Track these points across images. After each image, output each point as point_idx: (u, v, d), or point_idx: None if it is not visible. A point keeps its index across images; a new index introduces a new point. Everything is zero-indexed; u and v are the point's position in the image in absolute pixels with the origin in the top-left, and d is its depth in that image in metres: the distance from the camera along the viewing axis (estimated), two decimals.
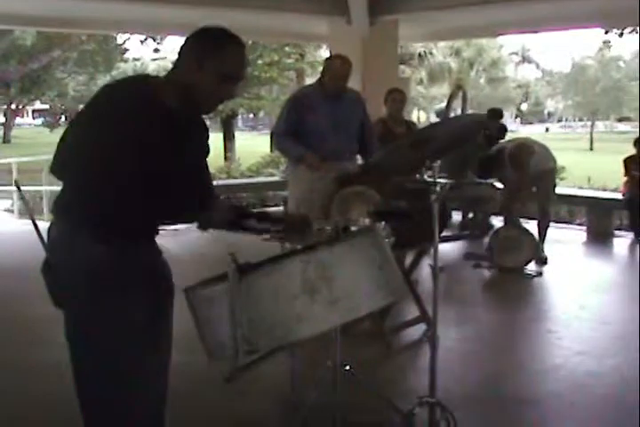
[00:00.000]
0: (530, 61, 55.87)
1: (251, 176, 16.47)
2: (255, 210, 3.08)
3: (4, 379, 4.78)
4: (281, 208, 10.14)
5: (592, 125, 53.04)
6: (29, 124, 60.81)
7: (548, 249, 8.26)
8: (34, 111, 63.37)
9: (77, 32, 23.31)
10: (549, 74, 60.66)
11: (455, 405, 3.65)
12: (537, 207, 8.51)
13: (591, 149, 45.97)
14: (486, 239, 8.15)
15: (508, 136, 9.04)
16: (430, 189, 3.46)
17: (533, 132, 56.56)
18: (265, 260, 2.58)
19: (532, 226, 8.43)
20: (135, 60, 41.78)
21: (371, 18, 10.23)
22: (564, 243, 9.32)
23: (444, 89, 38.46)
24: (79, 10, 9.83)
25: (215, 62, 2.52)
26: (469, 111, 15.76)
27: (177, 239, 7.80)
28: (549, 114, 72.57)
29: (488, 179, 8.36)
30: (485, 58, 45.06)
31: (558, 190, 8.63)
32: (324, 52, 23.66)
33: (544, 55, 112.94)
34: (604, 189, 13.45)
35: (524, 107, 65.73)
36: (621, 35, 21.87)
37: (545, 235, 8.23)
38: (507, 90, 50.73)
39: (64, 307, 2.60)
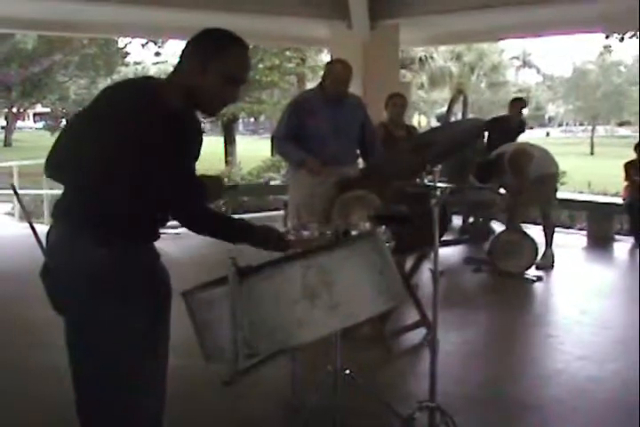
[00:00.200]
0: (531, 66, 55.87)
1: (251, 180, 16.48)
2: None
3: (3, 380, 4.78)
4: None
5: (593, 130, 53.08)
6: (30, 128, 60.85)
7: None
8: (35, 115, 63.41)
9: (79, 36, 23.37)
10: (550, 78, 60.72)
11: (455, 409, 3.64)
12: (539, 212, 8.51)
13: (592, 154, 46.00)
14: (487, 244, 8.15)
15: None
16: (430, 194, 3.45)
17: (534, 136, 56.54)
18: (265, 263, 2.57)
19: (533, 231, 8.43)
20: (136, 63, 41.84)
21: (371, 22, 10.24)
22: (565, 247, 9.31)
23: (444, 93, 38.47)
24: (80, 13, 9.84)
25: (219, 64, 2.51)
26: (470, 116, 15.77)
27: (177, 243, 7.79)
28: (550, 118, 72.60)
29: (487, 184, 8.36)
30: (486, 62, 45.10)
31: (559, 195, 8.62)
32: (325, 57, 23.70)
33: (545, 60, 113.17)
34: (605, 194, 13.47)
35: (524, 111, 65.70)
36: (622, 39, 21.88)
37: (551, 240, 8.22)
38: (507, 94, 50.53)
39: (64, 311, 2.60)
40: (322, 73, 6.14)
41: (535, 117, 67.95)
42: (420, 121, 43.81)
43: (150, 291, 2.62)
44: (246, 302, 2.32)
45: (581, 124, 66.31)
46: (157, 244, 2.67)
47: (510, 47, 51.67)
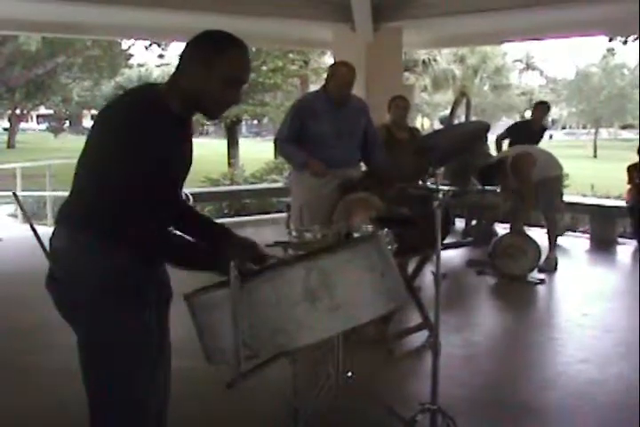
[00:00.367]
0: (534, 69, 55.97)
1: (254, 182, 16.48)
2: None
3: (4, 380, 4.79)
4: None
5: (596, 133, 53.09)
6: (34, 130, 60.97)
7: None
8: (38, 116, 63.61)
9: (82, 38, 23.37)
10: (553, 81, 60.75)
11: (457, 412, 3.65)
12: (542, 215, 8.51)
13: (595, 157, 45.98)
14: (489, 246, 8.15)
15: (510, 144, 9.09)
16: (433, 196, 3.46)
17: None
18: (266, 266, 2.58)
19: (536, 234, 8.44)
20: (140, 65, 41.97)
21: (375, 24, 10.24)
22: (567, 250, 9.32)
23: (447, 96, 38.51)
24: (84, 16, 9.85)
25: (219, 68, 2.48)
26: (473, 118, 15.77)
27: None
28: (553, 121, 72.55)
29: (489, 186, 8.36)
30: (489, 65, 45.15)
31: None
32: (329, 59, 23.69)
33: (548, 62, 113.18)
34: (608, 197, 13.43)
35: (527, 114, 65.71)
36: (625, 42, 21.90)
37: (554, 243, 8.21)
38: (510, 97, 50.75)
39: (74, 317, 2.60)
40: (325, 75, 6.15)
41: None
42: (424, 123, 43.83)
43: (153, 294, 2.63)
44: (247, 304, 2.33)
45: (584, 127, 66.29)
46: None
47: (513, 50, 51.82)
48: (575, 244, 9.93)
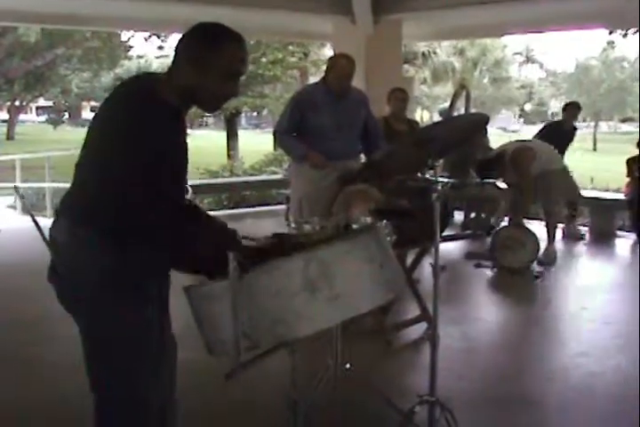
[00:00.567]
0: (534, 61, 55.93)
1: (253, 174, 16.48)
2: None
3: (5, 373, 4.80)
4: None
5: (595, 126, 53.06)
6: (33, 121, 60.84)
7: None
8: (37, 108, 63.50)
9: (81, 29, 23.37)
10: (553, 74, 60.73)
11: (455, 404, 3.65)
12: (542, 208, 8.51)
13: (594, 150, 45.97)
14: (488, 239, 8.15)
15: (509, 137, 9.06)
16: (432, 188, 3.46)
17: (537, 132, 56.46)
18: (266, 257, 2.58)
19: (535, 226, 8.44)
20: (139, 57, 41.88)
21: (375, 17, 10.22)
22: (566, 243, 9.32)
23: (447, 88, 38.47)
24: (83, 7, 9.84)
25: (216, 62, 2.47)
26: (472, 111, 15.75)
27: None
28: (553, 114, 72.46)
29: (488, 179, 8.36)
30: (489, 58, 45.09)
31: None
32: (328, 51, 23.64)
33: (548, 55, 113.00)
34: (607, 190, 13.45)
35: (527, 107, 65.70)
36: (626, 35, 21.89)
37: (553, 235, 8.22)
38: (510, 90, 50.72)
39: (76, 310, 2.61)
40: (325, 67, 6.14)
41: (538, 113, 67.90)
42: (423, 116, 43.80)
43: (154, 289, 2.64)
44: (247, 295, 2.33)
45: (584, 120, 66.23)
46: None
47: (513, 43, 51.78)
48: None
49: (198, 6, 9.12)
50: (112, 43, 31.27)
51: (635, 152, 9.84)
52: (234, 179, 15.35)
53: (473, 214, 10.22)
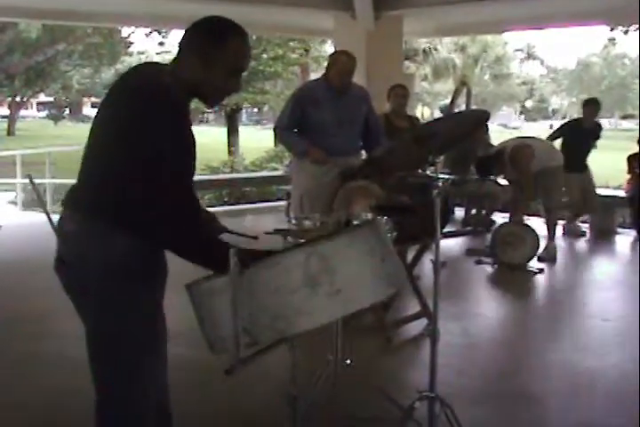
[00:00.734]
0: (535, 58, 55.91)
1: (254, 170, 16.48)
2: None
3: (5, 369, 4.80)
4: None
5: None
6: (34, 117, 60.84)
7: None
8: (38, 104, 63.49)
9: (82, 25, 23.34)
10: (554, 71, 60.69)
11: (455, 400, 3.66)
12: (542, 205, 8.52)
13: (595, 147, 45.88)
14: (488, 235, 8.16)
15: (510, 133, 9.05)
16: (432, 185, 3.46)
17: (537, 129, 56.46)
18: (266, 253, 2.58)
19: (535, 223, 8.45)
20: (140, 53, 41.78)
21: (375, 13, 10.21)
22: (567, 240, 9.33)
23: (448, 85, 38.47)
24: (84, 3, 9.84)
25: (219, 57, 2.47)
26: (473, 107, 15.75)
27: None
28: (554, 111, 72.49)
29: (486, 178, 8.38)
30: (490, 54, 45.07)
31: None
32: (329, 47, 23.66)
33: (549, 52, 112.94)
34: (607, 187, 13.43)
35: (528, 104, 65.69)
36: (627, 32, 21.89)
37: (554, 232, 8.22)
38: (511, 86, 50.71)
39: (82, 301, 2.60)
40: (325, 63, 6.14)
41: (539, 110, 67.92)
42: (424, 112, 43.80)
43: (160, 279, 2.65)
44: (247, 291, 2.33)
45: None
46: None
47: (514, 39, 51.81)
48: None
49: (199, 2, 9.10)
50: (113, 39, 31.28)
51: (635, 149, 9.84)
52: (234, 175, 15.35)
53: (473, 211, 10.23)
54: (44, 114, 59.82)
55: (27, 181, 14.12)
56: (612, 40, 51.40)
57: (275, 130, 6.20)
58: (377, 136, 6.12)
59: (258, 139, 30.34)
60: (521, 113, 68.02)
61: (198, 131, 2.85)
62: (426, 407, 3.54)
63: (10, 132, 43.07)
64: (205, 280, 2.53)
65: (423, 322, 5.46)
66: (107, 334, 2.58)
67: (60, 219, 2.61)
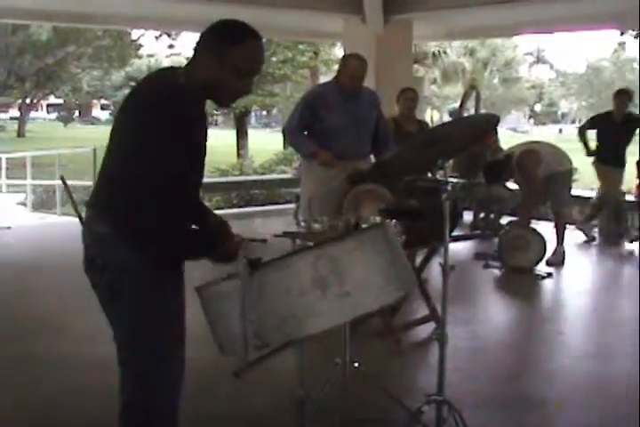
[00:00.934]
0: (544, 62, 55.84)
1: (263, 173, 16.50)
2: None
3: (6, 369, 4.82)
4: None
5: None
6: (44, 119, 61.02)
7: None
8: (48, 106, 63.66)
9: (92, 27, 23.42)
10: (563, 75, 60.51)
11: (463, 403, 3.66)
12: (551, 209, 8.51)
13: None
14: (497, 239, 8.16)
15: (519, 138, 9.02)
16: (441, 188, 3.46)
17: (547, 133, 56.37)
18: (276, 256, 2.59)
19: (544, 227, 8.44)
20: (149, 56, 41.94)
21: (385, 16, 10.22)
22: (576, 244, 9.31)
23: (457, 89, 38.34)
24: (94, 5, 9.87)
25: (233, 58, 2.51)
26: (482, 111, 15.74)
27: None
28: (563, 115, 72.31)
29: (495, 183, 8.37)
30: (499, 58, 44.98)
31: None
32: (339, 50, 23.66)
33: (558, 56, 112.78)
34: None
35: (537, 107, 65.58)
36: (637, 36, 21.81)
37: (562, 236, 8.20)
38: (520, 90, 50.58)
39: (113, 303, 2.63)
40: (335, 66, 6.15)
41: (548, 114, 67.77)
42: (433, 116, 43.75)
43: (181, 276, 2.70)
44: (257, 293, 2.34)
45: None
46: None
47: (524, 43, 51.65)
48: (583, 237, 9.90)
49: (209, 5, 9.13)
50: (122, 41, 31.36)
51: None
52: (243, 177, 15.39)
53: (482, 215, 10.22)
54: (53, 116, 60.01)
55: (37, 182, 14.19)
56: (621, 44, 51.26)
57: (283, 132, 6.21)
58: (386, 140, 6.11)
59: (267, 141, 30.37)
60: (530, 117, 67.89)
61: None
62: (434, 411, 3.54)
63: (20, 133, 43.20)
64: (215, 283, 2.54)
65: (431, 326, 5.45)
66: (138, 336, 2.62)
67: (87, 219, 2.64)
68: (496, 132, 9.49)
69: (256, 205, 13.22)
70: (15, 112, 49.54)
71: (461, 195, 6.99)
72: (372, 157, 6.28)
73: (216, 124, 54.36)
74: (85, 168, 12.30)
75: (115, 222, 2.53)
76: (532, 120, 68.04)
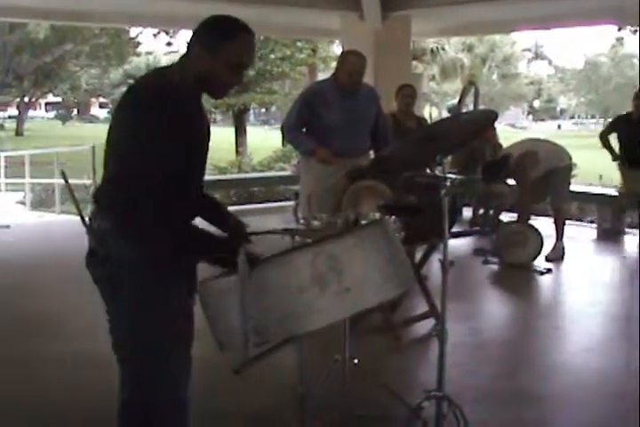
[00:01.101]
0: (543, 58, 55.84)
1: (261, 170, 16.49)
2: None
3: (6, 369, 4.82)
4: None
5: (604, 123, 52.87)
6: (42, 117, 60.99)
7: None
8: (47, 104, 63.63)
9: (90, 25, 23.41)
10: (562, 71, 60.55)
11: (463, 399, 3.66)
12: (550, 205, 8.52)
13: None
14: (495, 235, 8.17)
15: (517, 133, 9.00)
16: (440, 185, 3.46)
17: (545, 129, 56.40)
18: (276, 253, 2.59)
19: (543, 223, 8.44)
20: (148, 53, 41.89)
21: (383, 13, 10.22)
22: (574, 240, 9.31)
23: (456, 85, 38.35)
24: (92, 3, 9.87)
25: (225, 50, 2.56)
26: (481, 107, 15.72)
27: None
28: (562, 111, 72.37)
29: (493, 182, 8.38)
30: (498, 54, 45.02)
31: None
32: (337, 48, 23.65)
33: (557, 52, 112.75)
34: (615, 187, 13.39)
35: (536, 103, 65.60)
36: (635, 32, 21.81)
37: (562, 232, 8.21)
38: (519, 86, 50.63)
39: (114, 298, 2.65)
40: (333, 64, 6.14)
41: (546, 110, 67.78)
42: (431, 112, 43.74)
43: (188, 274, 2.72)
44: (256, 290, 2.34)
45: (593, 117, 66.07)
46: None
47: (522, 39, 51.64)
48: (582, 233, 9.92)
49: (206, 3, 9.11)
50: (120, 39, 31.33)
51: None
52: (242, 175, 15.37)
53: (481, 211, 10.22)
54: (52, 114, 59.97)
55: (36, 181, 14.18)
56: (619, 40, 51.33)
57: (282, 129, 6.20)
58: (385, 136, 6.10)
59: (265, 139, 30.36)
60: (529, 113, 67.93)
61: None
62: (434, 407, 3.54)
63: (18, 132, 43.16)
64: (214, 279, 2.54)
65: (431, 322, 5.46)
66: (137, 332, 2.64)
67: (91, 213, 2.67)
68: (494, 129, 9.49)
69: (255, 203, 13.22)
70: (13, 111, 49.49)
71: (460, 191, 6.99)
72: (371, 153, 6.28)
73: (215, 122, 54.39)
74: (84, 166, 12.29)
75: (115, 219, 2.56)
76: (530, 116, 68.07)
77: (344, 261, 2.37)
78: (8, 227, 10.00)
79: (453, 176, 3.62)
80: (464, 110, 11.66)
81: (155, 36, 27.64)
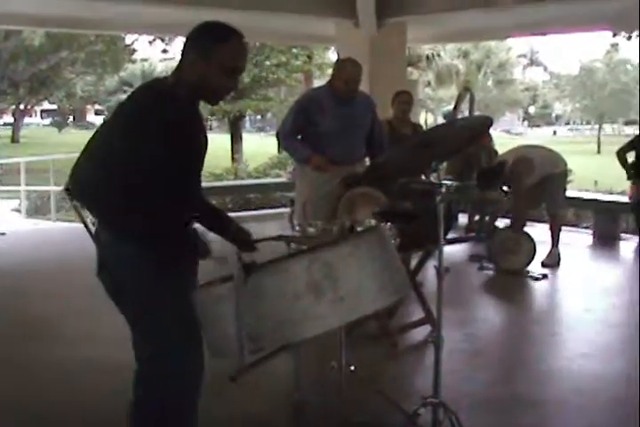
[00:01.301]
0: (538, 64, 55.96)
1: (257, 177, 16.50)
2: None
3: (4, 375, 4.82)
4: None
5: (600, 128, 52.99)
6: (38, 124, 60.96)
7: None
8: (42, 111, 63.60)
9: (86, 33, 23.38)
10: (557, 77, 60.66)
11: (459, 405, 3.66)
12: (546, 211, 8.53)
13: (598, 153, 45.88)
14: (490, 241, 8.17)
15: (512, 139, 9.00)
16: (436, 191, 3.47)
17: (541, 135, 56.48)
18: (271, 259, 2.60)
19: (538, 229, 8.44)
20: (143, 60, 41.92)
21: (379, 20, 10.21)
22: (571, 246, 9.31)
23: (451, 91, 38.45)
24: (87, 10, 9.85)
25: (218, 56, 2.60)
26: (477, 113, 15.72)
27: None
28: (557, 117, 72.49)
29: (488, 189, 8.37)
30: (493, 60, 45.13)
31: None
32: (332, 54, 23.69)
33: (552, 58, 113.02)
34: (611, 193, 13.42)
35: (531, 109, 65.71)
36: (630, 38, 21.84)
37: (557, 238, 8.21)
38: (514, 92, 50.70)
39: (122, 299, 2.70)
40: (329, 70, 6.14)
41: (542, 116, 67.89)
42: (427, 119, 43.81)
43: (186, 270, 2.76)
44: (252, 297, 2.34)
45: (588, 123, 66.20)
46: None
47: (517, 45, 51.67)
48: (578, 239, 9.93)
49: (202, 9, 9.11)
50: (116, 46, 31.28)
51: None
52: (238, 182, 15.37)
53: (477, 217, 10.22)
54: (47, 121, 59.94)
55: (32, 188, 14.15)
56: (614, 46, 51.41)
57: (277, 136, 6.20)
58: (381, 143, 6.10)
59: (261, 146, 30.36)
60: (524, 119, 68.06)
61: None
62: (430, 413, 3.54)
63: (14, 139, 43.14)
64: (210, 286, 2.55)
65: (427, 328, 5.46)
66: (147, 334, 2.70)
67: (97, 227, 2.71)
68: (490, 135, 9.50)
69: (251, 210, 13.22)
70: (9, 118, 49.44)
71: (455, 197, 6.99)
72: (367, 160, 6.28)
73: (211, 129, 54.43)
74: None
75: (114, 227, 2.60)
76: (526, 122, 68.17)
77: (339, 269, 2.37)
78: (3, 234, 9.98)
79: (449, 183, 3.62)
80: (459, 116, 11.68)
81: (150, 43, 27.72)
